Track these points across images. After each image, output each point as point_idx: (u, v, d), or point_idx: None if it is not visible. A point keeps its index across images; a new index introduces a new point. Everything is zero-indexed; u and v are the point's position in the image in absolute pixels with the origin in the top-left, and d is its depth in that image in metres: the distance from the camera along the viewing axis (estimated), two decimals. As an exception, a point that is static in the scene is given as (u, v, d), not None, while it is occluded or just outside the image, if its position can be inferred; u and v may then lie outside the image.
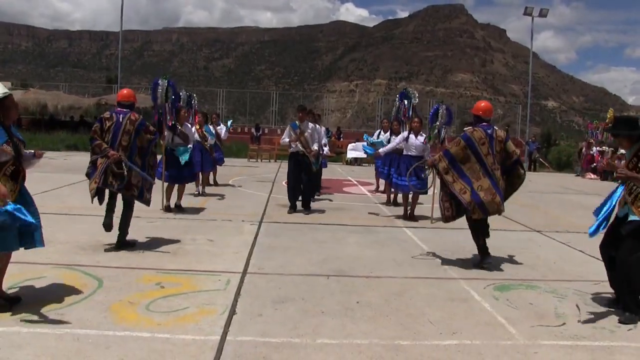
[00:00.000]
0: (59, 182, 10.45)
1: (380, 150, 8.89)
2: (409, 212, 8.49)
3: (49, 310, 3.72)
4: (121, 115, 5.55)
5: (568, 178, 20.35)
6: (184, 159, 8.12)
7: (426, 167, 6.54)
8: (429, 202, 8.22)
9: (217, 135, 11.52)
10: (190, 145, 8.38)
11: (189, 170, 8.36)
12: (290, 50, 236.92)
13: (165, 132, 7.99)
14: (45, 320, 3.56)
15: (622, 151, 4.77)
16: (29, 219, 3.46)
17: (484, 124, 5.57)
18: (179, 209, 8.19)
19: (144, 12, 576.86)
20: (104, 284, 4.39)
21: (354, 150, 21.27)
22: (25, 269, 4.49)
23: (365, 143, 10.84)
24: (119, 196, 5.66)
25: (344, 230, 7.28)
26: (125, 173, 5.35)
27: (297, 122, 8.52)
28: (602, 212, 4.28)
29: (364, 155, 12.84)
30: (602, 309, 4.33)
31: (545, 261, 5.98)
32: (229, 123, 13.75)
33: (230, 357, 3.17)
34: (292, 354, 3.24)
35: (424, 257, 5.95)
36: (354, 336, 3.55)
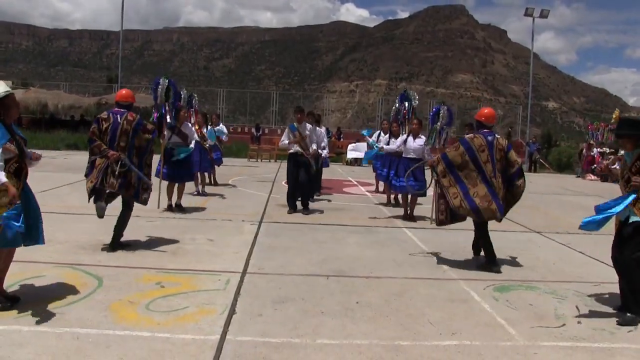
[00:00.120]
0: (59, 181, 10.46)
1: (385, 147, 8.91)
2: (408, 212, 8.49)
3: (49, 309, 3.72)
4: (118, 116, 5.50)
5: (568, 179, 20.35)
6: (178, 156, 8.07)
7: (426, 168, 6.50)
8: (429, 203, 8.22)
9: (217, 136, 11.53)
10: (191, 146, 8.39)
11: (187, 169, 8.36)
12: (291, 51, 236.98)
13: (165, 131, 7.99)
14: (45, 319, 3.56)
15: (622, 152, 4.71)
16: (17, 228, 3.46)
17: (485, 130, 5.56)
18: (179, 208, 8.20)
19: (144, 12, 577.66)
20: (104, 283, 4.39)
21: (354, 151, 21.25)
22: (26, 267, 4.49)
23: (366, 143, 10.90)
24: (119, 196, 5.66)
25: (344, 230, 7.28)
26: (125, 173, 5.34)
27: (295, 123, 8.51)
28: (606, 212, 4.19)
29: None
30: (602, 311, 4.33)
31: (545, 262, 5.98)
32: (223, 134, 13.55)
33: (230, 356, 3.17)
34: (292, 354, 3.24)
35: (423, 257, 5.95)
36: (354, 336, 3.55)
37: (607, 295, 4.69)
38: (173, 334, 3.42)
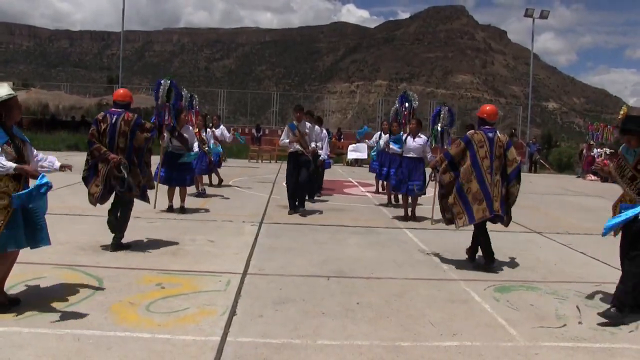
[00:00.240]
0: (59, 182, 10.45)
1: (391, 147, 8.89)
2: (409, 213, 8.49)
3: (50, 311, 3.72)
4: (115, 116, 5.46)
5: (569, 179, 20.34)
6: (187, 159, 8.12)
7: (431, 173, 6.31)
8: (429, 203, 8.22)
9: (215, 137, 11.53)
10: (197, 150, 8.39)
11: (186, 173, 8.33)
12: (291, 51, 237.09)
13: (165, 133, 7.99)
14: (45, 320, 3.56)
15: (620, 148, 4.68)
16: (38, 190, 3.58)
17: (487, 127, 5.56)
18: (182, 210, 8.20)
19: (145, 12, 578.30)
20: (105, 285, 4.39)
21: (355, 152, 21.27)
22: (26, 269, 4.49)
23: (365, 143, 10.91)
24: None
25: (344, 231, 7.28)
26: (126, 175, 5.33)
27: (294, 122, 8.52)
28: (624, 216, 4.15)
29: (365, 157, 12.88)
30: (603, 311, 4.32)
31: (546, 263, 5.97)
32: (237, 134, 13.76)
33: (231, 358, 3.16)
34: (292, 355, 3.24)
35: (424, 258, 5.95)
36: (354, 337, 3.55)
37: (608, 296, 4.67)
38: (174, 335, 3.42)
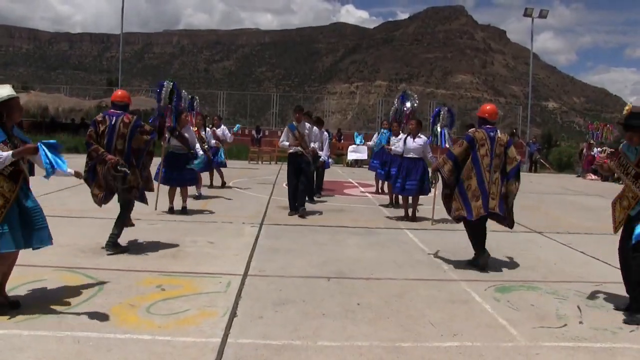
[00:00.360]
0: (59, 185, 10.45)
1: (393, 149, 8.86)
2: (409, 213, 8.49)
3: (50, 313, 3.72)
4: (114, 118, 5.46)
5: (569, 179, 20.34)
6: (196, 167, 8.33)
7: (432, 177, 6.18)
8: (429, 204, 8.22)
9: (217, 137, 11.53)
10: (201, 152, 8.43)
11: (187, 173, 8.34)
12: (291, 52, 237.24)
13: (166, 134, 8.00)
14: (45, 322, 3.55)
15: (620, 146, 4.66)
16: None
17: (488, 126, 5.57)
18: (183, 211, 8.20)
19: (145, 14, 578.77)
20: (105, 287, 4.39)
21: (355, 152, 21.25)
22: (26, 271, 4.49)
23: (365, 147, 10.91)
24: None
25: (344, 232, 7.28)
26: (127, 171, 5.33)
27: (294, 123, 8.53)
28: None
29: (365, 157, 12.88)
30: (604, 311, 4.32)
31: (546, 262, 5.97)
32: (237, 127, 13.80)
33: (231, 359, 3.16)
34: (292, 356, 3.23)
35: (424, 258, 5.94)
36: (354, 338, 3.54)
37: (608, 295, 4.68)
38: (174, 336, 3.42)
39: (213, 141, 11.25)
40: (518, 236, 7.43)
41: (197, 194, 9.94)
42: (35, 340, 3.28)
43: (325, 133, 10.99)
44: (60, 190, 9.83)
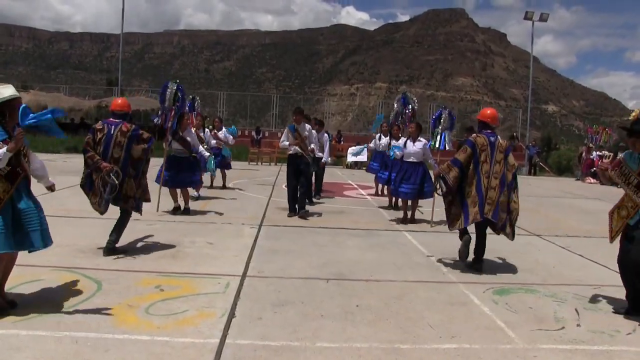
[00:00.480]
0: (58, 185, 10.39)
1: (398, 154, 8.83)
2: (409, 216, 8.49)
3: (48, 313, 3.72)
4: (113, 127, 5.45)
5: (568, 182, 20.34)
6: (210, 170, 8.58)
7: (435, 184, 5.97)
8: (429, 206, 8.23)
9: (218, 139, 11.52)
10: (207, 154, 8.48)
11: (187, 174, 8.34)
12: (291, 53, 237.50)
13: (168, 136, 8.01)
14: (44, 323, 3.55)
15: (621, 155, 4.65)
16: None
17: (488, 131, 5.56)
18: (185, 211, 8.21)
19: (145, 15, 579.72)
20: (103, 287, 4.38)
21: (355, 154, 21.28)
22: (24, 271, 4.48)
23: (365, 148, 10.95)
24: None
25: (344, 233, 7.28)
26: (116, 182, 5.28)
27: (294, 124, 8.54)
28: None
29: (365, 159, 12.86)
30: (602, 313, 4.33)
31: (545, 265, 5.97)
32: (233, 129, 13.76)
33: (230, 360, 3.16)
34: (291, 358, 3.23)
35: (423, 260, 5.95)
36: (353, 340, 3.54)
37: (606, 298, 4.68)
38: (172, 337, 3.42)
39: (213, 141, 11.25)
40: (517, 239, 7.39)
41: (195, 195, 9.94)
42: (34, 340, 3.28)
43: (326, 135, 11.00)
44: (59, 190, 9.81)
